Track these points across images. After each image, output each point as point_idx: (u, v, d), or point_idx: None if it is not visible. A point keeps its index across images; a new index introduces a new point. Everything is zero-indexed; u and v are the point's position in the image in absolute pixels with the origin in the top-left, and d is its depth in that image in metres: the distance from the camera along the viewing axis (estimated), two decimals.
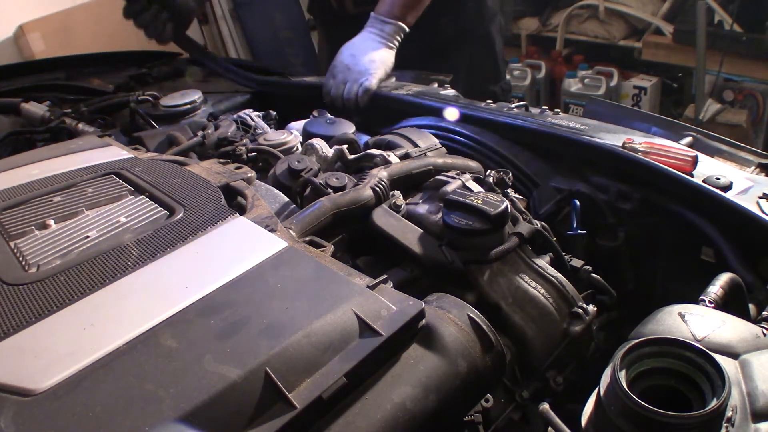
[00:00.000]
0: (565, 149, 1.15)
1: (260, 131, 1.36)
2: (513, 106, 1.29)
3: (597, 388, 0.57)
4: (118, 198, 0.91)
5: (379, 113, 1.47)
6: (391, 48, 1.57)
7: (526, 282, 0.87)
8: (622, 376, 0.55)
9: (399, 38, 1.59)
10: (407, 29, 1.60)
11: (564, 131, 1.14)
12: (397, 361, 0.63)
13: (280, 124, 1.47)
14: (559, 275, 0.89)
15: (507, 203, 0.85)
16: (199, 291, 0.68)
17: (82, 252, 0.78)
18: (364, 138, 1.30)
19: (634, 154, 1.03)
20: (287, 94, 1.67)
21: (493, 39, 2.09)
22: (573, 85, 3.55)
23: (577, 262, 0.95)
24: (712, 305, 0.72)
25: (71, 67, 1.96)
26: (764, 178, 0.99)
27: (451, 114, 1.25)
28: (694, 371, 0.56)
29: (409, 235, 0.89)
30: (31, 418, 0.53)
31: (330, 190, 1.02)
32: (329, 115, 1.40)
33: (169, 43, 1.81)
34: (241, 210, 0.87)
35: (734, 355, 0.59)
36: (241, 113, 1.43)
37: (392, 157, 1.13)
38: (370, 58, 1.52)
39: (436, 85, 1.55)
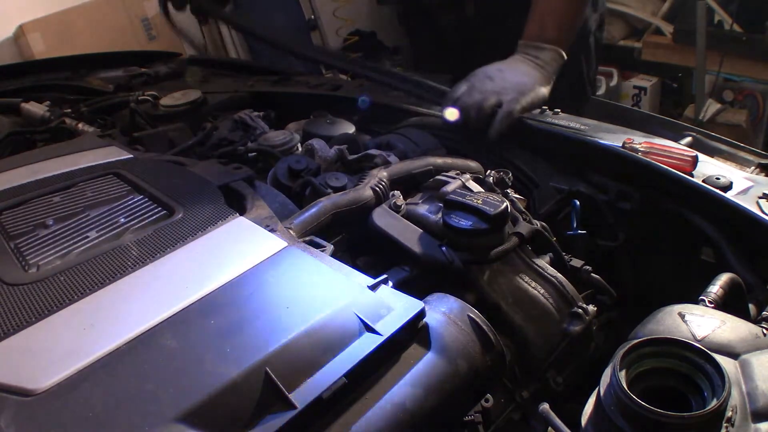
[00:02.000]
0: (565, 149, 1.15)
1: (260, 131, 1.36)
2: None
3: (597, 388, 0.57)
4: (117, 198, 0.91)
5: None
6: (547, 77, 1.24)
7: (526, 282, 0.87)
8: (622, 376, 0.55)
9: (557, 68, 1.27)
10: (565, 57, 1.28)
11: (564, 131, 1.14)
12: (397, 361, 0.63)
13: (280, 124, 1.47)
14: (559, 275, 0.89)
15: (507, 203, 0.85)
16: (199, 291, 0.68)
17: (82, 252, 0.78)
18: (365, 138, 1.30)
19: (634, 153, 1.03)
20: (287, 93, 1.66)
21: (579, 55, 1.70)
22: None
23: (577, 262, 0.95)
24: (712, 305, 0.72)
25: (71, 67, 1.96)
26: (764, 178, 0.99)
27: (451, 114, 1.25)
28: (694, 371, 0.56)
29: (409, 235, 0.89)
30: (31, 418, 0.53)
31: (330, 190, 1.02)
32: (329, 116, 1.40)
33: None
34: (241, 210, 0.87)
35: (734, 355, 0.59)
36: (241, 113, 1.43)
37: (392, 157, 1.13)
38: (521, 79, 1.21)
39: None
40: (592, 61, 1.79)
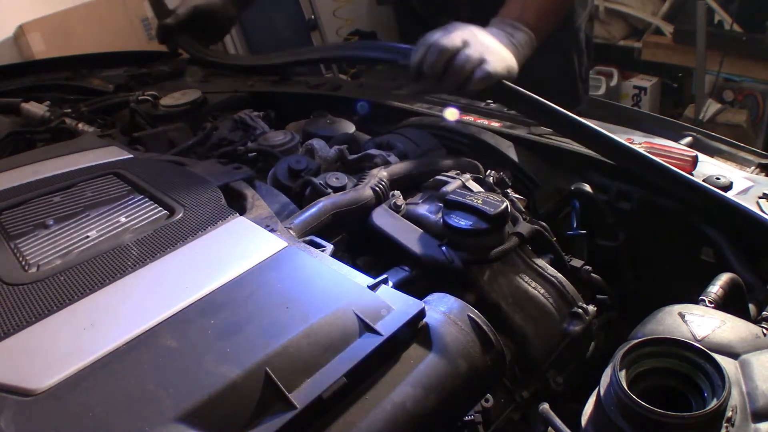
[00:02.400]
0: (565, 149, 1.15)
1: (260, 131, 1.36)
2: None
3: (597, 388, 0.57)
4: (118, 198, 0.91)
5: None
6: (519, 57, 1.19)
7: (526, 282, 0.87)
8: (622, 376, 0.55)
9: (527, 54, 1.23)
10: (535, 45, 1.24)
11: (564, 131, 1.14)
12: (397, 361, 0.63)
13: (280, 124, 1.47)
14: (559, 275, 0.89)
15: (507, 203, 0.85)
16: (199, 291, 0.68)
17: (82, 252, 0.78)
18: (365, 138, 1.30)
19: (635, 148, 1.02)
20: (287, 94, 1.67)
21: (570, 54, 1.70)
22: None
23: (577, 262, 0.95)
24: (712, 305, 0.72)
25: (71, 67, 1.96)
26: (764, 178, 0.99)
27: (452, 114, 1.25)
28: (694, 371, 0.56)
29: (409, 235, 0.89)
30: (31, 418, 0.53)
31: (330, 190, 1.02)
32: (329, 116, 1.40)
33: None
34: (241, 210, 0.88)
35: (734, 355, 0.59)
36: (241, 113, 1.43)
37: (392, 157, 1.13)
38: (501, 47, 1.14)
39: None
40: (584, 58, 1.78)
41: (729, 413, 0.52)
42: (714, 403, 0.51)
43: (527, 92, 1.10)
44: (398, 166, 1.05)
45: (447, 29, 1.14)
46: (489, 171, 1.04)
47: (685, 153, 1.00)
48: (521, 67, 1.21)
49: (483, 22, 1.36)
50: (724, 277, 0.77)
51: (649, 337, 0.58)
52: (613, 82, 3.55)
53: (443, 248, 0.85)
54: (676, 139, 1.12)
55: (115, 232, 0.82)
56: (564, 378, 0.86)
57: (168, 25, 1.75)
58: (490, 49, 1.11)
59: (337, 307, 0.64)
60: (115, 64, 1.97)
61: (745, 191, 0.92)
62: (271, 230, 0.81)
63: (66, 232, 0.83)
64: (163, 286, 0.70)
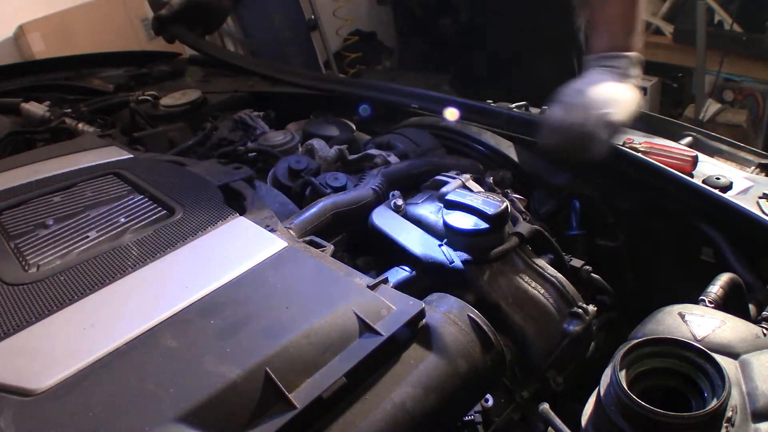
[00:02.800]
0: None
1: (260, 131, 1.36)
2: (513, 106, 1.29)
3: (597, 388, 0.57)
4: (118, 198, 0.91)
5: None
6: (630, 82, 1.12)
7: (526, 282, 0.87)
8: (622, 376, 0.55)
9: (637, 72, 1.16)
10: (642, 58, 1.17)
11: None
12: (397, 361, 0.63)
13: (280, 124, 1.47)
14: (559, 275, 0.89)
15: (507, 203, 0.85)
16: (199, 291, 0.68)
17: (82, 252, 0.78)
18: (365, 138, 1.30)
19: (634, 153, 1.03)
20: (287, 94, 1.66)
21: (570, 54, 1.67)
22: None
23: (577, 262, 0.95)
24: (712, 305, 0.72)
25: (71, 67, 1.96)
26: (764, 178, 0.99)
27: (451, 114, 1.25)
28: (694, 371, 0.56)
29: (409, 235, 0.89)
30: (31, 418, 0.53)
31: (330, 190, 1.02)
32: (329, 116, 1.40)
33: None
34: (241, 210, 0.88)
35: (734, 355, 0.59)
36: (241, 113, 1.43)
37: (392, 157, 1.13)
38: (609, 89, 1.07)
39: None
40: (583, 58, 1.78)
41: (729, 413, 0.52)
42: (714, 403, 0.51)
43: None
44: (398, 166, 1.05)
45: (562, 103, 1.07)
46: (489, 171, 1.04)
47: (685, 153, 1.00)
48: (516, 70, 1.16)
49: (483, 24, 1.36)
50: (724, 277, 0.77)
51: (649, 337, 0.58)
52: None
53: (443, 248, 0.85)
54: (676, 139, 1.12)
55: (115, 232, 0.82)
56: (564, 378, 0.86)
57: (162, 16, 1.77)
58: (602, 103, 1.04)
59: (337, 307, 0.64)
60: (115, 64, 1.97)
61: (745, 191, 0.92)
62: (271, 230, 0.81)
63: (66, 232, 0.83)
64: (163, 286, 0.70)
